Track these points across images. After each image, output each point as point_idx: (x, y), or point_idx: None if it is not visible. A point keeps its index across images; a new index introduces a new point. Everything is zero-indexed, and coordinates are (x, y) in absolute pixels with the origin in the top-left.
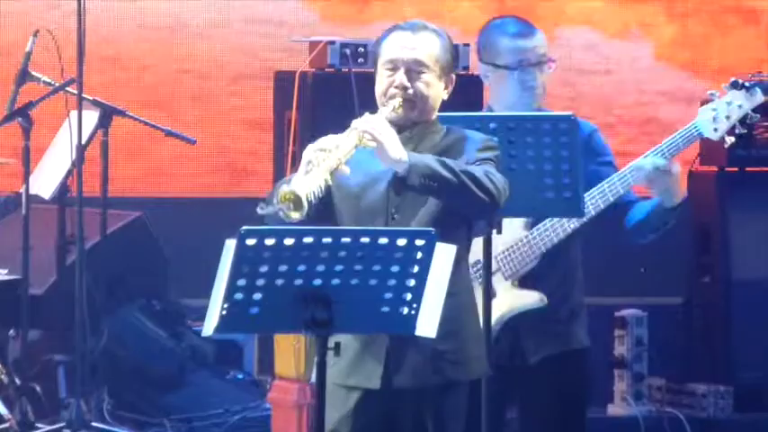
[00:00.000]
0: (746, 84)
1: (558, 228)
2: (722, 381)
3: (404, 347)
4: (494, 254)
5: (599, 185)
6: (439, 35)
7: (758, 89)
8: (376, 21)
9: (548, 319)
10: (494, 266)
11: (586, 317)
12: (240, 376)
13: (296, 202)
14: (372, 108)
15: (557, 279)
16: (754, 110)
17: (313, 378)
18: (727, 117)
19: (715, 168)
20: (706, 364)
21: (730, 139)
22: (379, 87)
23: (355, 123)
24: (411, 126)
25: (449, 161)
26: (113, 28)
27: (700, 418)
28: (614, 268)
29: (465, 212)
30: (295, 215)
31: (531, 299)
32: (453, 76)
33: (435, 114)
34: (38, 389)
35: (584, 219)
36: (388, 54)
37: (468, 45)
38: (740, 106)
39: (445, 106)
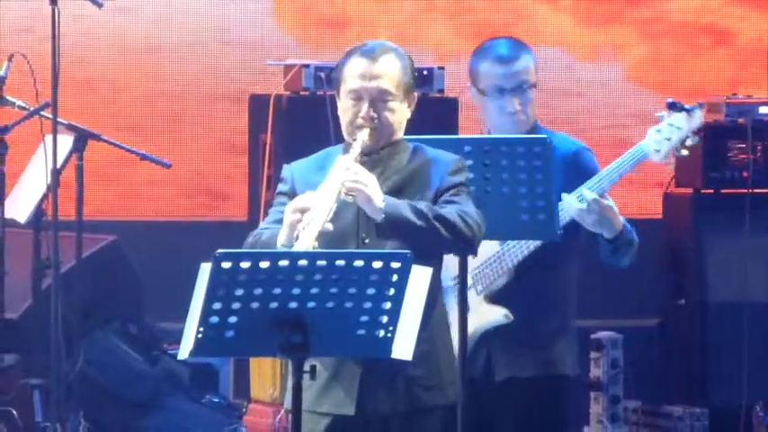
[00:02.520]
0: (685, 106)
1: (524, 242)
2: (697, 403)
3: (377, 373)
4: (469, 269)
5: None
6: (399, 56)
7: (697, 111)
8: (351, 44)
9: (523, 340)
10: (469, 282)
11: (575, 344)
12: (216, 400)
13: None
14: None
15: (529, 296)
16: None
17: (286, 402)
18: (668, 139)
19: (690, 190)
20: (681, 386)
21: (672, 161)
22: (345, 116)
23: (340, 177)
24: (378, 149)
25: (423, 207)
26: (88, 51)
27: None
28: (590, 290)
29: (440, 252)
30: None
31: (494, 315)
32: (415, 95)
33: (401, 135)
34: (14, 413)
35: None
36: (351, 84)
37: (443, 68)
38: (680, 128)
39: (420, 129)
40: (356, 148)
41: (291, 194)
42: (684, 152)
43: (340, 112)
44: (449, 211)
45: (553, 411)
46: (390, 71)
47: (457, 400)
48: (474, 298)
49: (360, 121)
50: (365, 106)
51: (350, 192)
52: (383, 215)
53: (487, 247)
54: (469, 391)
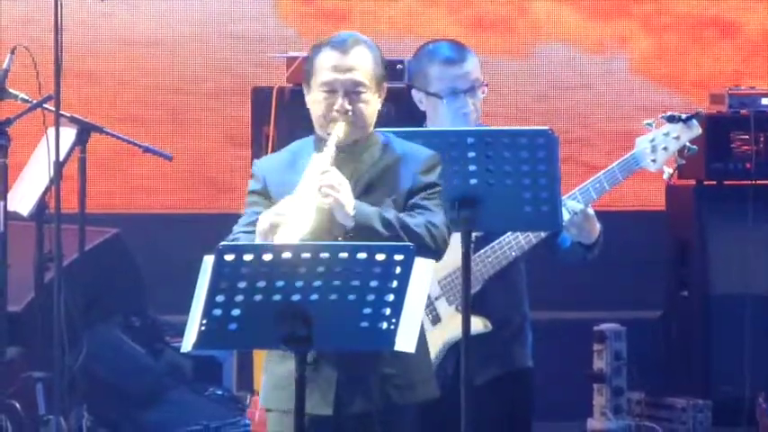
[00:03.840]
0: (683, 116)
1: (499, 255)
2: (701, 394)
3: (352, 373)
4: (436, 278)
5: None
6: (370, 48)
7: (695, 121)
8: None
9: (489, 340)
10: (437, 292)
11: (530, 336)
12: (219, 392)
13: None
14: None
15: (500, 302)
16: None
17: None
18: (665, 149)
19: (693, 182)
20: (685, 377)
21: (668, 171)
22: (318, 109)
23: (315, 182)
24: (352, 143)
25: (392, 217)
26: (90, 44)
27: (679, 431)
28: (592, 283)
29: None
30: None
31: (475, 326)
32: (386, 86)
33: (372, 128)
34: (17, 406)
35: (526, 247)
36: (324, 76)
37: None
38: (677, 138)
39: (422, 121)
40: (330, 146)
41: (264, 193)
42: (682, 161)
43: (310, 105)
44: (417, 223)
45: (526, 406)
46: (363, 63)
47: (431, 397)
48: (445, 308)
49: (334, 114)
50: (339, 99)
51: (324, 197)
52: (353, 223)
53: (452, 257)
54: (440, 399)
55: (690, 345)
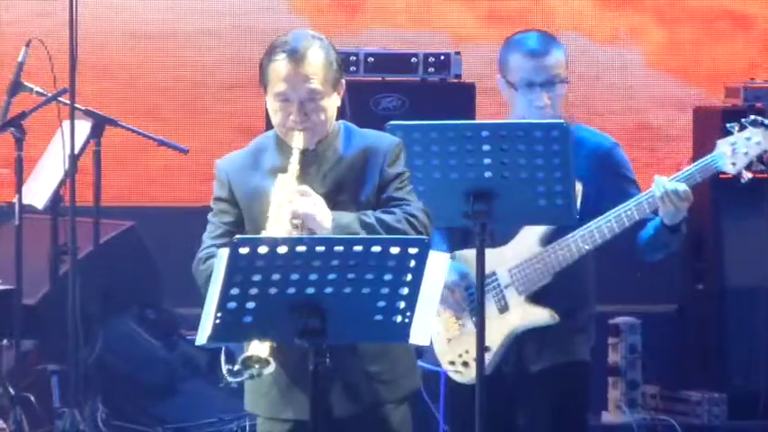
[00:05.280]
0: (765, 121)
1: (573, 248)
2: (716, 388)
3: (336, 375)
4: (507, 267)
5: (616, 210)
6: (323, 48)
7: None
8: (366, 28)
9: (552, 330)
10: (507, 280)
11: (593, 331)
12: (234, 385)
13: (262, 361)
14: (365, 115)
15: (567, 294)
16: None
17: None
18: (746, 153)
19: None
20: (700, 371)
21: (748, 176)
22: (275, 117)
23: (287, 208)
24: (313, 146)
25: (372, 219)
26: (105, 37)
27: (694, 425)
28: (608, 276)
29: None
30: (269, 369)
31: (542, 316)
32: (343, 81)
33: (332, 124)
34: (32, 398)
35: (599, 241)
36: (278, 87)
37: (459, 53)
38: (758, 143)
39: (437, 114)
40: (294, 163)
41: (229, 199)
42: (761, 166)
43: (269, 111)
44: (397, 219)
45: (582, 397)
46: (316, 69)
47: (415, 388)
48: (514, 297)
49: (291, 124)
50: (294, 109)
51: (300, 219)
52: (330, 233)
53: (525, 246)
54: (499, 385)
55: (705, 338)
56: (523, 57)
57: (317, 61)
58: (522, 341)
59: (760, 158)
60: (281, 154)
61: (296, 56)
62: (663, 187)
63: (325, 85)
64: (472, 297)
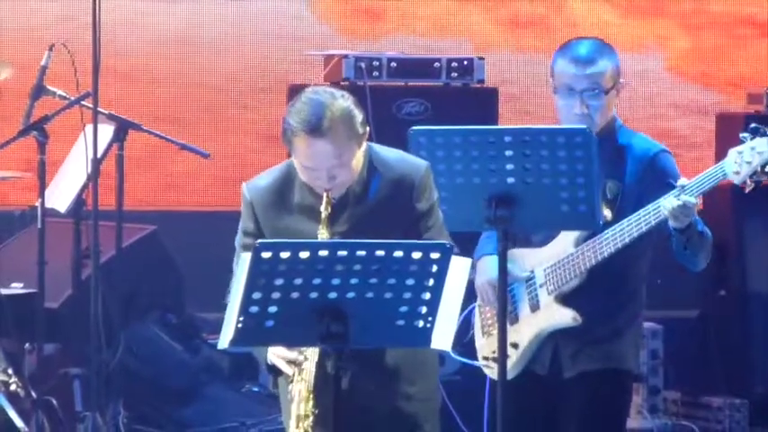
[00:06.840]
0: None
1: (597, 248)
2: (738, 394)
3: (379, 400)
4: (543, 266)
5: (637, 213)
6: (343, 117)
7: None
8: (389, 34)
9: (584, 335)
10: (542, 279)
11: (638, 339)
12: (256, 389)
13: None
14: (388, 120)
15: (601, 298)
16: None
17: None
18: (748, 162)
19: (730, 181)
20: (721, 377)
21: (750, 185)
22: (302, 175)
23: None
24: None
25: None
26: (128, 42)
27: (715, 431)
28: None
29: None
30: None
31: (563, 317)
32: (367, 128)
33: (359, 170)
34: (54, 402)
35: (620, 245)
36: (302, 160)
37: (483, 59)
38: (761, 153)
39: (460, 119)
40: (323, 232)
41: (257, 234)
42: (763, 177)
43: (299, 173)
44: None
45: (616, 406)
46: (340, 143)
47: (441, 400)
48: (545, 297)
49: (318, 186)
50: (321, 179)
51: None
52: None
53: (561, 247)
54: (534, 388)
55: (727, 344)
56: (567, 63)
57: (337, 136)
58: (557, 346)
59: (763, 168)
60: (308, 190)
61: (317, 134)
62: (671, 206)
63: (347, 154)
64: (512, 293)
